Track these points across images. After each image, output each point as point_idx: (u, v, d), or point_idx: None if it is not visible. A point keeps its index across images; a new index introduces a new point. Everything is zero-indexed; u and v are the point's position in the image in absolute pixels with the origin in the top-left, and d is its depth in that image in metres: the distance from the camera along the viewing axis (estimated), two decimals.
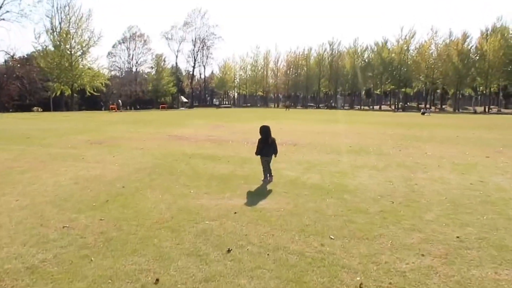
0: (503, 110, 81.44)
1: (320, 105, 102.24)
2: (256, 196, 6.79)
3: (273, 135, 8.13)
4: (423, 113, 54.77)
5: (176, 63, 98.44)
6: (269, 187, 7.47)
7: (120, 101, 68.57)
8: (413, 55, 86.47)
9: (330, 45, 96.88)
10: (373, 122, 32.15)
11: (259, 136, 8.06)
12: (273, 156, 8.07)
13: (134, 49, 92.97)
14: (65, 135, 17.93)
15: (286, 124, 28.25)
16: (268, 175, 7.96)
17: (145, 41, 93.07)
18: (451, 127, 27.06)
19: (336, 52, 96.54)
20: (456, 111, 78.44)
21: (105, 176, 8.28)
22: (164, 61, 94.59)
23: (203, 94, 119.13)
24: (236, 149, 13.18)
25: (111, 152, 12.23)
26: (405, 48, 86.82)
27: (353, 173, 8.90)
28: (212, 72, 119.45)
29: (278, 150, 8.13)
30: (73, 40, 68.00)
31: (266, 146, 7.95)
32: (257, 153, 7.99)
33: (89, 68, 70.28)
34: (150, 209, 5.91)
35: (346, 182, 7.95)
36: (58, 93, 67.39)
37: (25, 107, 63.92)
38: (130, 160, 10.59)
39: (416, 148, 14.12)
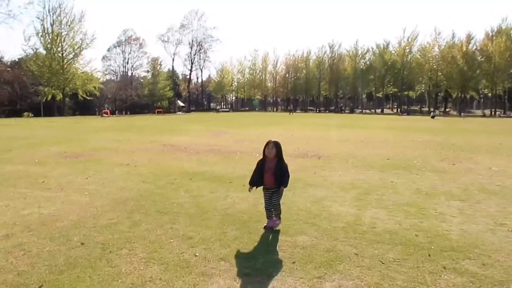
0: (509, 113, 79.00)
1: (321, 109, 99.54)
2: (311, 265, 3.89)
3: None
4: (432, 117, 52.14)
5: (173, 67, 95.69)
6: (320, 239, 4.58)
7: (106, 105, 65.61)
8: (416, 57, 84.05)
9: (330, 48, 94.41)
10: (389, 127, 29.35)
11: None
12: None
13: (130, 53, 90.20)
14: (38, 146, 14.97)
15: (295, 130, 25.39)
16: (278, 215, 5.12)
17: (140, 44, 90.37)
18: (478, 132, 24.30)
19: (337, 54, 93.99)
20: (462, 114, 75.90)
21: (60, 219, 5.36)
22: (160, 64, 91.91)
23: (200, 98, 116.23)
24: (248, 164, 10.27)
25: (85, 170, 9.31)
26: (408, 50, 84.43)
27: (433, 208, 6.03)
28: (209, 76, 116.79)
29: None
30: (65, 43, 65.07)
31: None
32: (286, 184, 4.95)
33: (82, 72, 67.33)
34: None
35: (438, 227, 5.07)
36: (49, 97, 64.38)
37: (16, 112, 60.72)
38: (108, 184, 7.67)
39: (470, 161, 11.28)
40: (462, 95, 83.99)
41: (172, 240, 4.50)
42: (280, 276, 3.61)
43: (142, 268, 3.75)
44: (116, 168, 9.65)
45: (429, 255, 4.10)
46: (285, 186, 4.88)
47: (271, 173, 4.77)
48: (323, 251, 4.19)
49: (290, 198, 6.58)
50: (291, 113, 67.16)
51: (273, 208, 4.96)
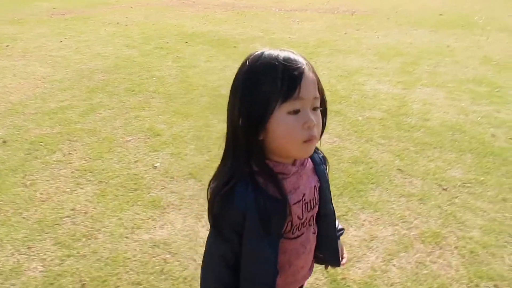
0: None
1: None
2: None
3: None
4: None
5: None
6: (344, 139, 3.09)
7: None
8: None
9: None
10: None
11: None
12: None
13: None
14: (30, 0, 13.07)
15: None
16: None
17: None
18: None
19: None
20: None
21: None
22: None
23: None
24: (264, 22, 8.30)
25: (65, 31, 7.68)
26: None
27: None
28: None
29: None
30: None
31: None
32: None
33: None
34: None
35: None
36: None
37: None
38: (82, 50, 6.12)
39: None
40: None
41: (129, 138, 3.14)
42: None
43: (68, 189, 2.48)
44: (102, 28, 7.94)
45: None
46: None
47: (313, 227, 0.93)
48: (348, 163, 2.74)
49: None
50: None
51: None
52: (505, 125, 3.29)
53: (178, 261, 1.89)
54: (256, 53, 0.81)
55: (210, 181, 0.86)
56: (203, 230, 2.08)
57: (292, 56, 0.78)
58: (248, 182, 0.78)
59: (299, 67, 0.76)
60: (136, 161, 2.79)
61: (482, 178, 2.55)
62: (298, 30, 7.40)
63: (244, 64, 0.81)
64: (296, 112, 0.75)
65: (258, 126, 0.76)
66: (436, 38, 6.68)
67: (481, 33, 7.14)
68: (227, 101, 0.83)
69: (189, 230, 2.10)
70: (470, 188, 2.45)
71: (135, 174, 2.62)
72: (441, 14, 9.23)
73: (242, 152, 0.79)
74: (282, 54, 0.77)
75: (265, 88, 0.75)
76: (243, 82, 0.80)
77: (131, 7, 11.10)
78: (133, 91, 4.23)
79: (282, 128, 0.75)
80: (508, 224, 2.14)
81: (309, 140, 0.77)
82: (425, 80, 4.48)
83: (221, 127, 3.29)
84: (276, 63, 0.75)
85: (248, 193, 0.77)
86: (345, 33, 7.13)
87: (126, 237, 2.04)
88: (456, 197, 2.37)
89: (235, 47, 6.14)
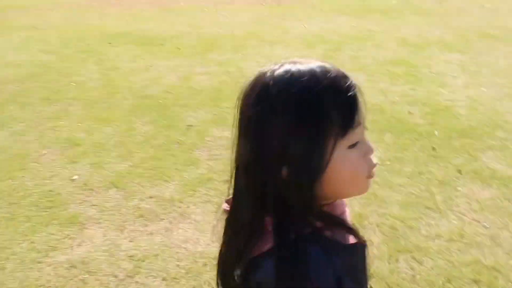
0: None
1: None
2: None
3: None
4: None
5: None
6: None
7: None
8: None
9: None
10: None
11: None
12: None
13: None
14: None
15: None
16: None
17: None
18: None
19: None
20: None
21: None
22: None
23: None
24: (192, 17, 8.14)
25: None
26: None
27: (426, 65, 4.54)
28: None
29: None
30: None
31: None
32: None
33: None
34: None
35: (438, 96, 3.68)
36: None
37: None
38: None
39: None
40: None
41: (44, 152, 2.91)
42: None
43: None
44: (15, 34, 7.33)
45: (434, 149, 2.74)
46: None
47: None
48: None
49: (236, 63, 4.88)
50: None
51: None
52: (420, 102, 3.48)
53: (97, 280, 1.78)
54: (277, 73, 0.55)
55: (243, 269, 0.59)
56: (125, 241, 1.98)
57: (333, 70, 0.55)
58: (319, 244, 0.56)
59: (350, 85, 0.55)
60: (52, 176, 2.60)
61: (400, 155, 2.67)
62: (226, 23, 7.33)
63: (266, 93, 0.55)
64: (356, 143, 0.57)
65: (316, 176, 0.54)
66: (358, 24, 6.93)
67: (398, 16, 7.53)
68: (239, 143, 0.58)
69: (110, 244, 1.99)
70: (389, 166, 2.56)
71: (50, 191, 2.43)
72: (363, 0, 9.60)
73: (298, 211, 0.56)
74: (317, 68, 0.55)
75: (315, 125, 0.53)
76: (276, 122, 0.53)
77: (50, 9, 10.40)
78: (49, 99, 3.93)
79: (348, 168, 0.56)
80: (423, 196, 2.26)
81: (373, 173, 0.59)
82: (348, 65, 4.62)
83: (146, 129, 3.17)
84: (320, 86, 0.53)
85: (332, 258, 0.55)
86: (272, 24, 7.19)
87: (39, 262, 1.89)
88: (377, 176, 2.45)
89: (161, 44, 5.95)
